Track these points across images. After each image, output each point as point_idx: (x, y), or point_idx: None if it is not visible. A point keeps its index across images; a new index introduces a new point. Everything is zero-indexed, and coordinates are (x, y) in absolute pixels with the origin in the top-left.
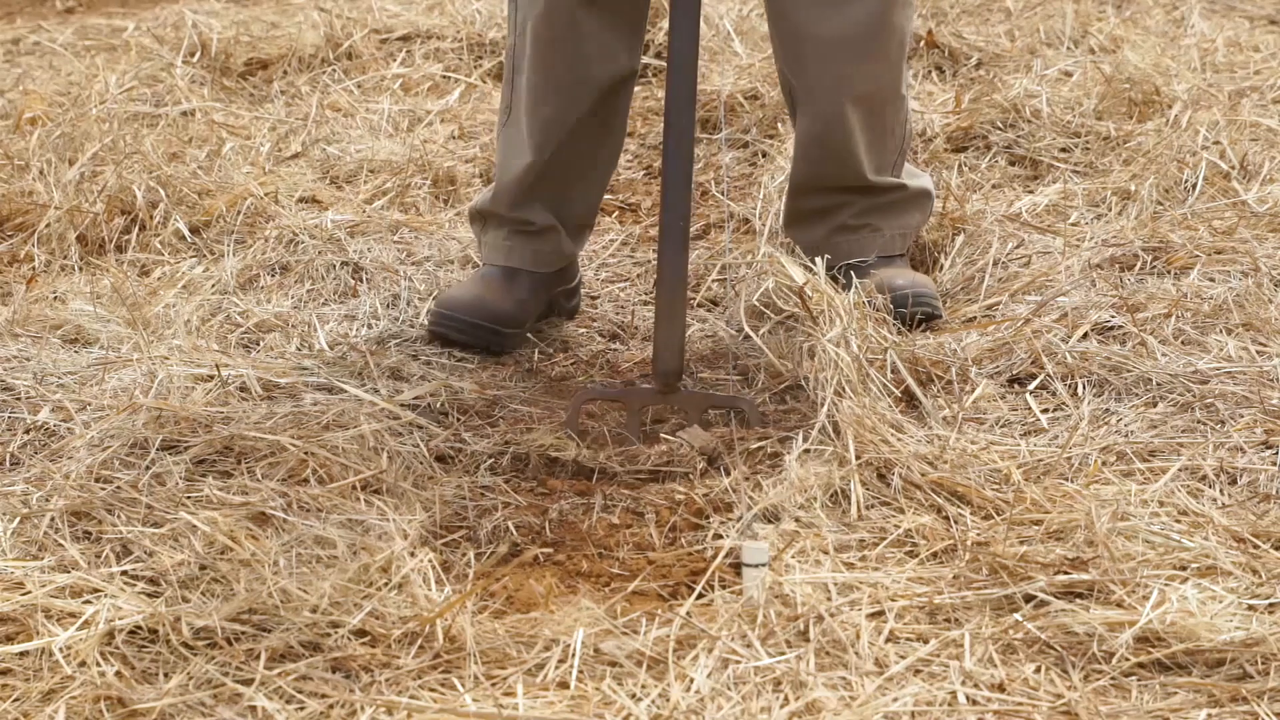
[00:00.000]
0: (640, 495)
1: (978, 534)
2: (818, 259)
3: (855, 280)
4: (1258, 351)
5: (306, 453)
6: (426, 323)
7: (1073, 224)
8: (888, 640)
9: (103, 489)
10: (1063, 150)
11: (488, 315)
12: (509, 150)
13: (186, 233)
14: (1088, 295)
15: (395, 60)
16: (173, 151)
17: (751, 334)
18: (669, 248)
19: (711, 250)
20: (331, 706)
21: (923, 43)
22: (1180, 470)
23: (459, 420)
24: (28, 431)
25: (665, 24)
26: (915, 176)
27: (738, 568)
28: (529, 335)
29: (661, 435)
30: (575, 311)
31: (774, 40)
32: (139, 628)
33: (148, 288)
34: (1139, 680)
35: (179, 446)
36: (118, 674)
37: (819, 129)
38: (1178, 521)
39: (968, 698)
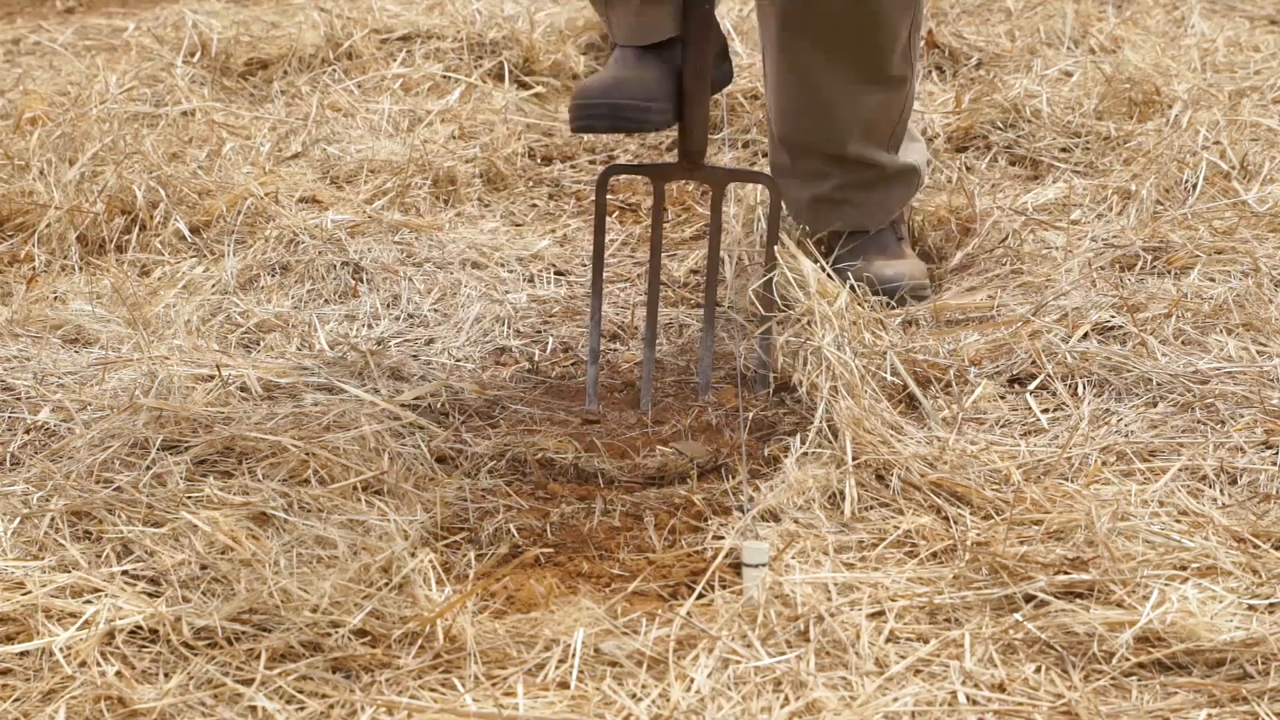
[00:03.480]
0: (640, 499)
1: (978, 534)
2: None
3: (850, 279)
4: (1258, 351)
5: (307, 453)
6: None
7: (1073, 223)
8: (888, 640)
9: (103, 489)
10: (1063, 150)
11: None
12: None
13: (186, 233)
14: (1088, 295)
15: (395, 60)
16: (173, 151)
17: (752, 338)
18: (694, 38)
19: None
20: (331, 706)
21: (923, 43)
22: (1180, 470)
23: (459, 421)
24: (28, 431)
25: None
26: (910, 146)
27: (738, 568)
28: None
29: (658, 448)
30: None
31: (776, 100)
32: (139, 628)
33: (148, 288)
34: (1139, 680)
35: (179, 446)
36: (118, 674)
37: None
38: (1178, 521)
39: (968, 698)
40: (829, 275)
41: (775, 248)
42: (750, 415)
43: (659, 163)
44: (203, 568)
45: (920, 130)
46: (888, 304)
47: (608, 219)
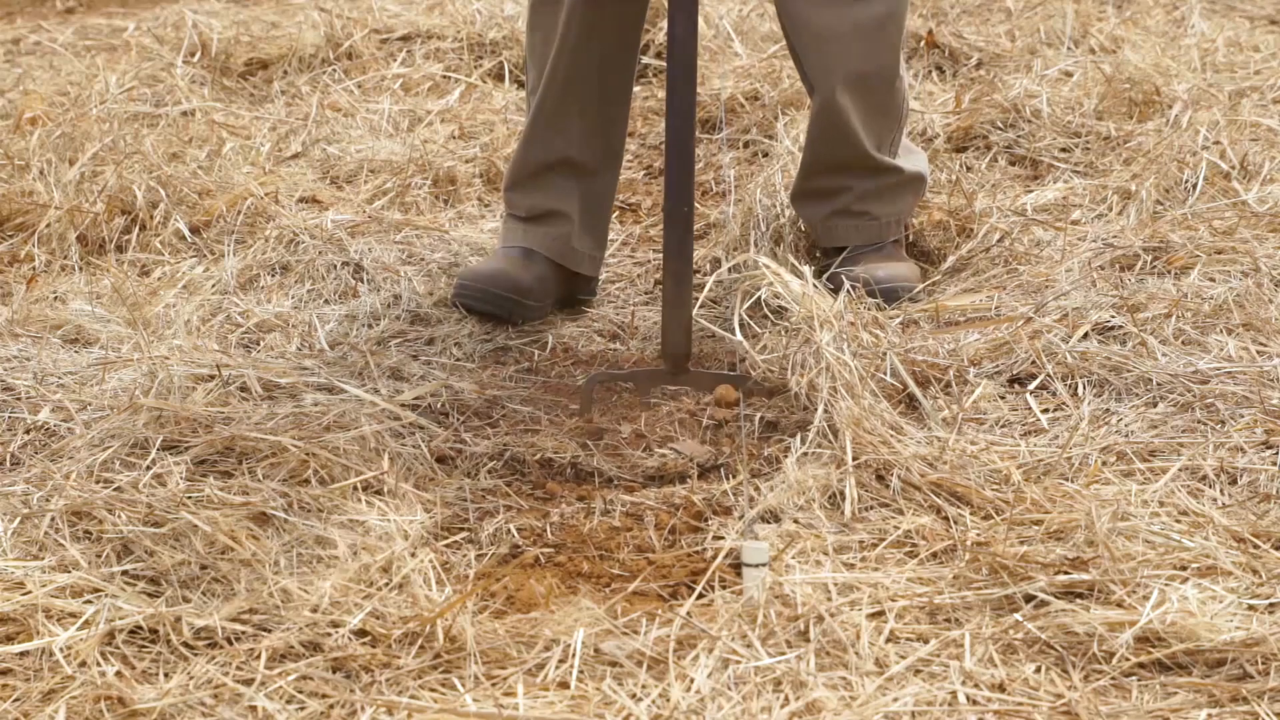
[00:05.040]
0: (640, 499)
1: (978, 534)
2: (806, 267)
3: (846, 282)
4: (1258, 351)
5: (307, 453)
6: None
7: (1074, 223)
8: (888, 640)
9: (103, 489)
10: (1063, 150)
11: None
12: None
13: (186, 233)
14: (1088, 295)
15: (395, 60)
16: (173, 151)
17: (747, 346)
18: (673, 232)
19: (710, 251)
20: (331, 706)
21: (923, 43)
22: (1180, 470)
23: (459, 421)
24: (28, 431)
25: (665, 24)
26: (911, 155)
27: (738, 568)
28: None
29: (656, 449)
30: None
31: (783, 29)
32: (139, 628)
33: (148, 288)
34: (1139, 680)
35: (179, 446)
36: (118, 674)
37: (822, 113)
38: (1178, 521)
39: (968, 698)
40: (823, 283)
41: (762, 260)
42: (751, 416)
43: (643, 370)
44: (203, 568)
45: (920, 130)
46: (880, 306)
47: None
